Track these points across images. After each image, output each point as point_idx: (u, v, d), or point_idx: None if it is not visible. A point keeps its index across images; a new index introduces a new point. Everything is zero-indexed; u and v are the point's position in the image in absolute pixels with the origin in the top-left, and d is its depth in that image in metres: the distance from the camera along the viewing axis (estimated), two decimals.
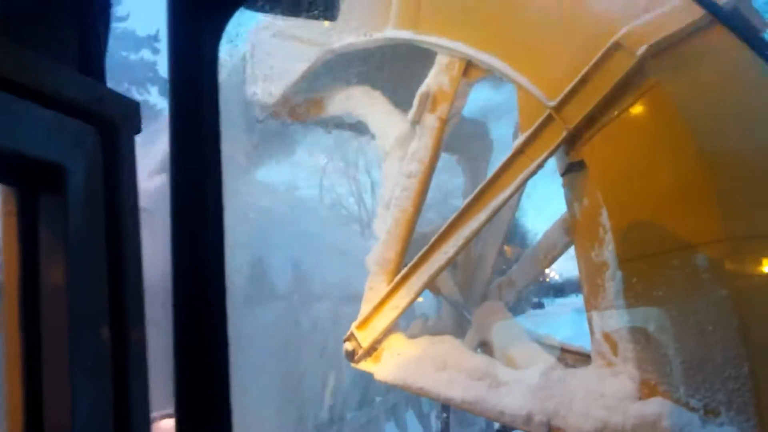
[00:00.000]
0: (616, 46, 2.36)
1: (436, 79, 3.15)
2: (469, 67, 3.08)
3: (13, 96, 0.68)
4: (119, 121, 0.83)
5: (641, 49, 2.28)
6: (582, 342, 3.70)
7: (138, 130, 0.87)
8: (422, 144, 3.19)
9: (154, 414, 1.01)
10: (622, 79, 2.34)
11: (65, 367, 0.81)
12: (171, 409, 1.11)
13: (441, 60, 3.14)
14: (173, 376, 1.08)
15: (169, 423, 1.11)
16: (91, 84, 0.81)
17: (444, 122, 3.16)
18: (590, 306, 2.58)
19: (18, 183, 0.74)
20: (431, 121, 3.17)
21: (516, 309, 3.82)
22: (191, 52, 1.06)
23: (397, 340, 3.17)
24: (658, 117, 2.32)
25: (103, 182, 0.82)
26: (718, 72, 2.34)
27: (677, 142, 2.26)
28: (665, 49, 2.30)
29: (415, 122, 3.21)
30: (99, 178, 0.81)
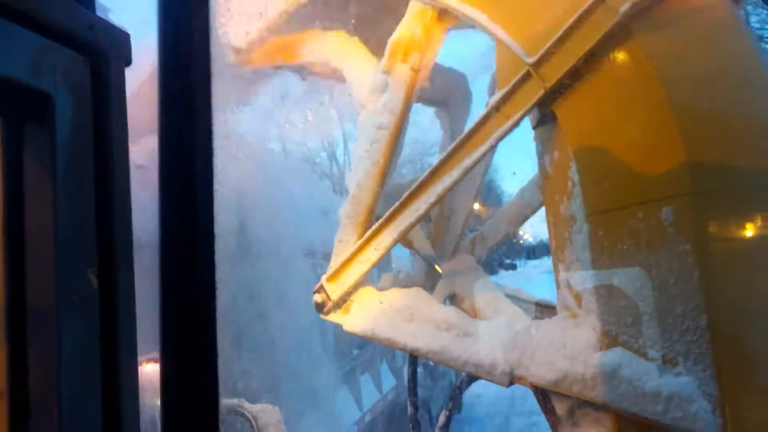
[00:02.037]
0: (599, 2, 2.33)
1: (408, 27, 3.08)
2: (442, 14, 3.02)
3: (2, 18, 0.63)
4: (109, 51, 0.79)
5: (625, 6, 2.26)
6: (553, 300, 3.79)
7: (128, 62, 0.83)
8: (394, 95, 3.15)
9: (139, 358, 0.99)
10: (604, 37, 2.32)
11: (51, 307, 0.79)
12: (156, 354, 1.10)
13: (413, 7, 3.07)
14: (159, 320, 1.06)
15: (154, 367, 1.10)
16: (80, 11, 0.76)
17: (416, 72, 3.11)
18: (557, 259, 2.63)
19: (3, 111, 0.71)
20: (403, 70, 3.12)
21: (488, 270, 3.89)
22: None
23: (366, 293, 3.19)
24: (631, 71, 2.33)
25: (92, 114, 0.78)
26: (697, 31, 2.34)
27: (649, 96, 2.28)
28: (649, 7, 2.29)
29: (387, 72, 3.15)
30: (88, 109, 0.78)
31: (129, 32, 0.82)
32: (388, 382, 10.45)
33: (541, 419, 2.65)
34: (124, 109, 0.82)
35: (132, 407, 0.94)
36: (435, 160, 2.99)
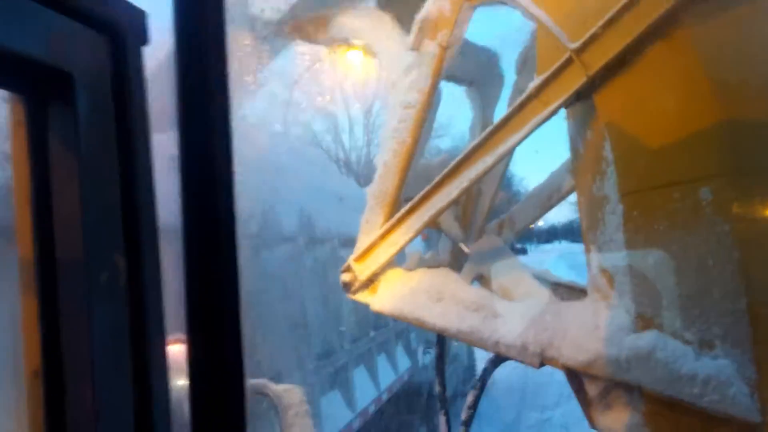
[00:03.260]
0: None
1: (436, 3, 3.02)
2: None
3: None
4: (127, 31, 0.78)
5: None
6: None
7: (146, 41, 0.81)
8: (421, 73, 3.10)
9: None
10: (652, 25, 2.21)
11: (81, 289, 0.80)
12: (182, 335, 1.10)
13: None
14: (185, 302, 1.06)
15: (180, 348, 1.10)
16: None
17: (444, 49, 3.05)
18: (588, 240, 2.58)
19: (26, 91, 0.70)
20: (431, 48, 3.07)
21: None
22: None
23: (393, 274, 3.18)
24: (675, 55, 2.24)
25: (112, 93, 0.77)
26: (744, 17, 2.24)
27: (688, 74, 2.20)
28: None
29: (415, 49, 3.10)
30: (108, 89, 0.77)
31: (145, 10, 0.80)
32: (404, 363, 10.60)
33: (554, 414, 2.64)
34: (143, 89, 0.81)
35: (162, 386, 0.95)
36: (442, 143, 2.95)
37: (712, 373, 2.07)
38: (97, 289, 0.80)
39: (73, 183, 0.74)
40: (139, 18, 0.84)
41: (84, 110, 0.74)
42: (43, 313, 0.76)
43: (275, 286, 6.39)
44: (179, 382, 1.10)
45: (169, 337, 1.25)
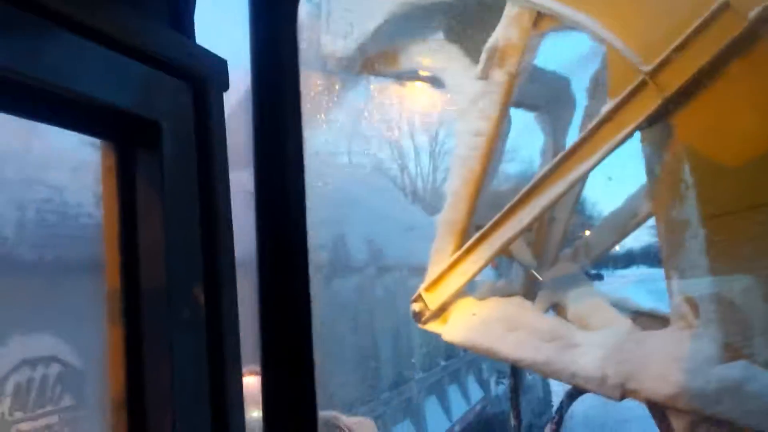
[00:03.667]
0: (725, 7, 2.17)
1: (504, 31, 3.03)
2: (539, 18, 2.95)
3: (111, 51, 0.68)
4: (209, 78, 0.83)
5: (755, 12, 2.08)
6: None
7: (226, 87, 0.86)
8: (490, 101, 3.10)
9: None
10: (729, 45, 2.15)
11: (164, 323, 0.83)
12: (256, 367, 1.13)
13: (509, 11, 3.02)
14: (259, 335, 1.10)
15: (254, 380, 1.13)
16: (182, 40, 0.81)
17: (513, 77, 3.05)
18: (669, 266, 2.49)
19: (116, 138, 0.75)
20: (500, 76, 3.07)
21: None
22: (271, 22, 1.05)
23: (465, 303, 3.15)
24: (756, 75, 2.16)
25: (194, 139, 0.82)
26: None
27: None
28: None
29: (484, 78, 3.12)
30: (191, 135, 0.82)
31: (225, 59, 0.85)
32: (476, 393, 10.41)
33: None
34: (223, 132, 0.86)
35: (238, 419, 0.98)
36: (510, 168, 2.92)
37: None
38: (178, 322, 0.84)
39: (157, 222, 0.78)
40: (220, 66, 0.89)
41: (169, 155, 0.78)
42: (127, 345, 0.81)
43: (346, 316, 6.49)
44: (254, 413, 1.13)
45: (244, 370, 1.29)
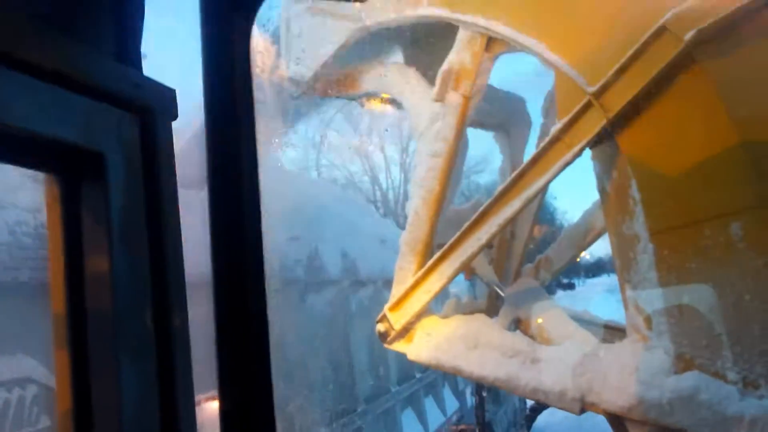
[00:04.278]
0: (662, 30, 2.27)
1: (457, 55, 3.11)
2: (491, 42, 3.03)
3: (54, 85, 0.69)
4: (156, 108, 0.84)
5: (690, 34, 2.18)
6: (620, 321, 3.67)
7: (174, 117, 0.88)
8: (446, 123, 3.17)
9: (198, 396, 1.03)
10: (668, 66, 2.25)
11: (111, 351, 0.83)
12: (215, 392, 1.13)
13: (462, 36, 3.10)
14: (216, 360, 1.10)
15: (213, 405, 1.13)
16: (128, 72, 0.82)
17: (468, 99, 3.12)
18: (623, 280, 2.56)
19: (60, 171, 0.76)
20: (455, 98, 3.14)
21: (546, 290, 3.81)
22: (223, 48, 1.07)
23: (429, 322, 3.18)
24: (695, 95, 2.26)
25: (142, 169, 0.83)
26: (760, 53, 2.25)
27: (710, 112, 2.21)
28: (714, 35, 2.20)
29: (439, 100, 3.18)
30: (138, 165, 0.82)
31: (174, 89, 0.87)
32: (452, 404, 10.52)
33: None
34: (172, 161, 0.87)
35: None
36: (481, 178, 2.98)
37: (759, 413, 2.00)
38: (126, 351, 0.84)
39: (103, 251, 0.79)
40: (168, 96, 0.90)
41: (115, 185, 0.79)
42: (74, 378, 0.80)
43: (322, 329, 6.53)
44: None
45: (204, 395, 1.28)
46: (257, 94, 1.01)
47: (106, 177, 0.77)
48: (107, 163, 0.77)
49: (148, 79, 0.84)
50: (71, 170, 0.76)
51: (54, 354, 0.81)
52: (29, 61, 0.65)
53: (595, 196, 3.87)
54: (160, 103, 0.85)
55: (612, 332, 3.55)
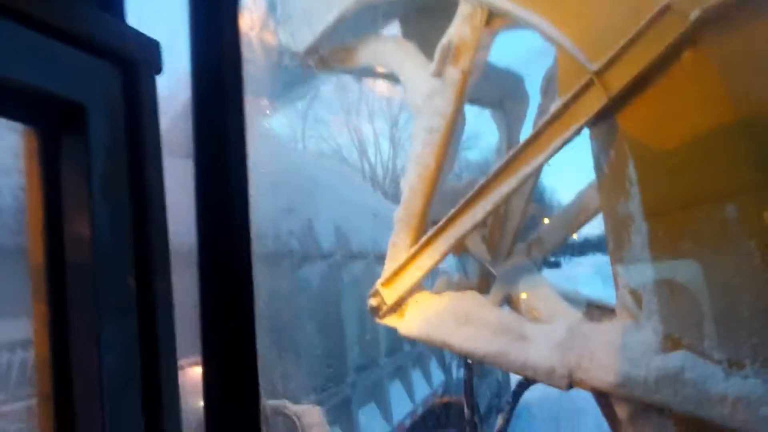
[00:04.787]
0: (667, 9, 2.22)
1: (457, 30, 3.07)
2: (491, 16, 2.99)
3: (33, 32, 0.66)
4: (140, 60, 0.81)
5: (695, 13, 2.14)
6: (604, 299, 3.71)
7: (159, 70, 0.85)
8: (444, 98, 3.14)
9: (181, 362, 1.02)
10: (672, 45, 2.21)
11: (92, 311, 0.81)
12: (198, 357, 1.12)
13: (463, 10, 3.06)
14: (200, 325, 1.09)
15: (197, 370, 1.12)
16: (111, 21, 0.78)
17: (466, 75, 3.09)
18: (615, 260, 2.55)
19: (39, 123, 0.73)
20: (453, 73, 3.11)
21: None
22: (210, 1, 1.04)
23: (421, 297, 3.18)
24: (696, 76, 2.23)
25: (125, 123, 0.81)
26: (760, 30, 2.22)
27: (711, 92, 2.18)
28: (720, 14, 2.15)
29: (437, 75, 3.14)
30: (121, 118, 0.80)
31: (158, 40, 0.84)
32: (438, 377, 10.73)
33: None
34: (156, 117, 0.84)
35: (173, 409, 0.96)
36: (471, 155, 2.97)
37: (743, 393, 2.01)
38: (108, 313, 0.82)
39: (84, 209, 0.77)
40: (152, 48, 0.87)
41: (96, 139, 0.77)
42: (53, 338, 0.79)
43: (315, 301, 6.61)
44: (200, 403, 1.12)
45: (188, 360, 1.27)
46: (246, 53, 0.99)
47: (87, 131, 0.75)
48: (88, 115, 0.74)
49: (132, 30, 0.81)
50: (50, 122, 0.73)
51: (32, 314, 0.79)
52: (4, 3, 0.62)
53: (583, 174, 3.88)
54: (145, 54, 0.82)
55: (601, 311, 3.56)
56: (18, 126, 0.74)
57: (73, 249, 0.80)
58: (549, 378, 2.57)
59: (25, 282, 0.84)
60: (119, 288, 0.85)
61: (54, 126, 0.74)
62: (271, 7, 3.93)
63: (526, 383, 3.53)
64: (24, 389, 2.90)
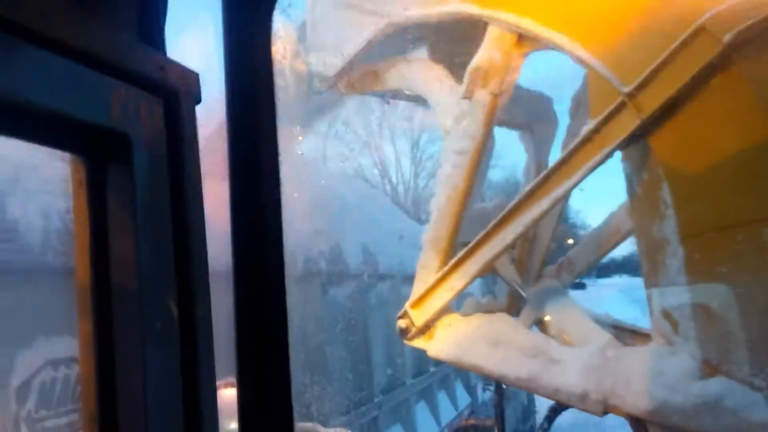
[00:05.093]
0: (700, 31, 2.21)
1: (487, 53, 3.08)
2: (521, 39, 3.00)
3: (81, 65, 0.69)
4: (181, 91, 0.84)
5: (728, 36, 2.12)
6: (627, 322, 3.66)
7: (198, 100, 0.88)
8: (474, 120, 3.14)
9: (217, 383, 1.03)
10: (705, 67, 2.19)
11: (137, 335, 0.83)
12: (233, 378, 1.14)
13: (492, 33, 3.07)
14: (235, 347, 1.10)
15: (232, 392, 1.14)
16: (153, 53, 0.82)
17: (496, 97, 3.09)
18: (650, 283, 2.51)
19: (86, 153, 0.76)
20: (483, 96, 3.11)
21: None
22: (244, 32, 1.07)
23: (450, 319, 3.16)
24: (731, 97, 2.20)
25: (166, 153, 0.83)
26: None
27: (746, 114, 2.16)
28: (752, 36, 2.13)
29: (468, 98, 3.15)
30: (163, 148, 0.83)
31: (198, 72, 0.87)
32: (463, 399, 10.67)
33: None
34: (196, 145, 0.87)
35: (212, 430, 0.97)
36: (493, 174, 2.96)
37: None
38: (151, 334, 0.84)
39: (129, 235, 0.79)
40: (192, 80, 0.90)
41: (140, 168, 0.79)
42: (99, 360, 0.81)
43: (343, 321, 6.68)
44: (232, 425, 1.13)
45: (221, 381, 1.29)
46: (278, 80, 1.01)
47: (131, 159, 0.78)
48: (132, 145, 0.77)
49: (172, 61, 0.84)
50: (97, 151, 0.76)
51: (79, 338, 0.81)
52: (54, 38, 0.65)
53: (609, 194, 3.83)
54: (184, 85, 0.85)
55: (633, 335, 3.50)
56: (66, 155, 0.77)
57: (117, 272, 0.82)
58: (583, 403, 2.53)
59: (71, 302, 0.86)
60: (161, 311, 0.87)
61: (100, 155, 0.77)
62: (302, 35, 3.99)
63: (559, 408, 3.47)
64: (65, 405, 2.97)
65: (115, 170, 0.78)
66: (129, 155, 0.78)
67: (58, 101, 0.67)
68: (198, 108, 0.93)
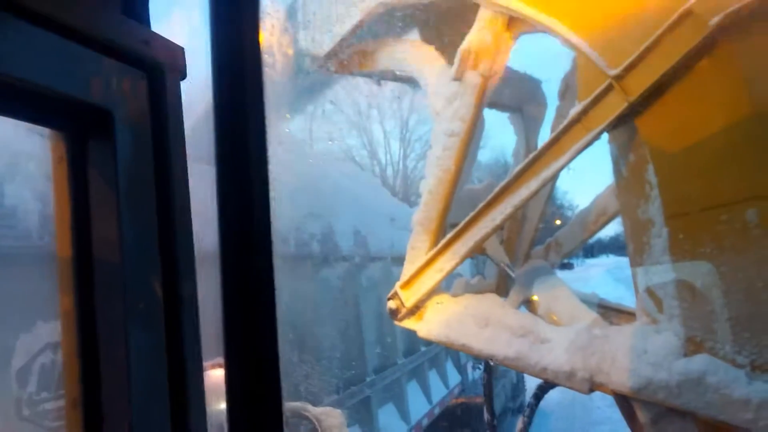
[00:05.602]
0: (688, 14, 2.21)
1: (478, 34, 3.06)
2: (512, 21, 2.98)
3: (60, 38, 0.67)
4: (165, 66, 0.82)
5: (715, 19, 2.12)
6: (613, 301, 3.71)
7: (183, 76, 0.86)
8: (464, 102, 3.13)
9: (204, 364, 1.02)
10: (692, 50, 2.19)
11: (119, 316, 0.82)
12: (221, 359, 1.13)
13: (483, 15, 3.05)
14: (222, 327, 1.10)
15: (219, 372, 1.13)
16: (137, 27, 0.80)
17: (487, 79, 3.08)
18: (635, 263, 2.53)
19: (67, 128, 0.75)
20: (473, 78, 3.10)
21: None
22: (232, 6, 1.05)
23: (440, 300, 3.18)
24: (717, 80, 2.21)
25: (150, 128, 0.82)
26: None
27: (732, 96, 2.16)
28: (739, 20, 2.12)
29: (458, 79, 3.14)
30: (146, 123, 0.81)
31: (183, 47, 0.85)
32: (454, 377, 10.80)
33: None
34: (180, 122, 0.86)
35: (199, 412, 0.96)
36: (481, 155, 2.96)
37: (766, 397, 1.99)
38: (134, 315, 0.83)
39: (111, 213, 0.78)
40: (177, 54, 0.88)
41: (123, 143, 0.78)
42: (81, 343, 0.80)
43: (335, 302, 6.73)
44: (221, 406, 1.13)
45: (209, 362, 1.28)
46: (266, 58, 1.00)
47: (113, 134, 0.76)
48: (114, 120, 0.76)
49: (157, 36, 0.82)
50: (78, 127, 0.75)
51: (60, 318, 0.81)
52: (35, 11, 0.63)
53: (594, 175, 3.85)
54: (169, 59, 0.83)
55: (619, 314, 3.54)
56: (46, 130, 0.75)
57: (100, 250, 0.81)
58: (570, 381, 2.55)
59: (53, 284, 0.85)
60: (145, 290, 0.86)
61: (81, 130, 0.76)
62: (291, 13, 3.95)
63: (546, 386, 3.50)
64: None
65: (97, 146, 0.77)
66: (111, 130, 0.76)
67: (38, 75, 0.65)
68: (184, 87, 0.92)
